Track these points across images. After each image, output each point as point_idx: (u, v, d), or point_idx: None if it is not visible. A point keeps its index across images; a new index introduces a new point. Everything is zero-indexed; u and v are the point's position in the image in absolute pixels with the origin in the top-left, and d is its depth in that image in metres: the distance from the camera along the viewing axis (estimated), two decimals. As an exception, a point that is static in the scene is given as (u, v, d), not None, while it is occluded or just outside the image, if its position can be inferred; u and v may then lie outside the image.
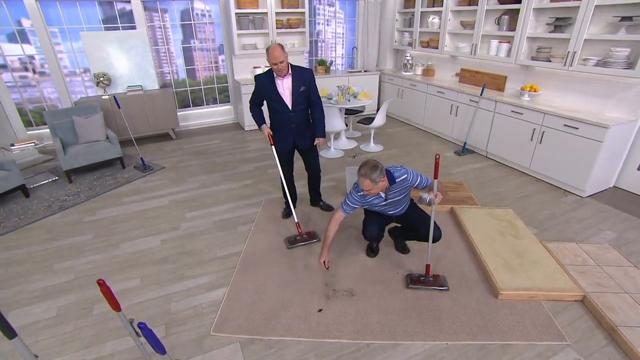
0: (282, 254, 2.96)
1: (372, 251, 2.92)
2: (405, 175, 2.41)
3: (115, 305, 1.21)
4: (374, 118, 4.99)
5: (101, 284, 1.12)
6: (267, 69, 2.89)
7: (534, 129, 4.12)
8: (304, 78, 2.89)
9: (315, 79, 3.01)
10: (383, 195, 2.46)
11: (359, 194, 2.44)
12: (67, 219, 3.56)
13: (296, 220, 3.12)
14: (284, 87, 2.88)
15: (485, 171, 4.52)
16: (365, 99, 5.12)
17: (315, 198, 3.59)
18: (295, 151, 3.24)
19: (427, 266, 2.58)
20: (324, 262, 2.49)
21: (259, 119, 3.08)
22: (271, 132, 3.07)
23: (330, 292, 2.54)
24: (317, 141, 3.12)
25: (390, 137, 5.82)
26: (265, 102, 3.03)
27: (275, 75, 2.84)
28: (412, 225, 2.70)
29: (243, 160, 4.94)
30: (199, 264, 2.85)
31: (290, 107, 2.93)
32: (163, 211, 3.66)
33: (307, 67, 2.98)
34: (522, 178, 4.30)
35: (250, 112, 3.09)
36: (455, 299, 2.48)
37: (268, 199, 3.86)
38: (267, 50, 2.70)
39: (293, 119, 2.98)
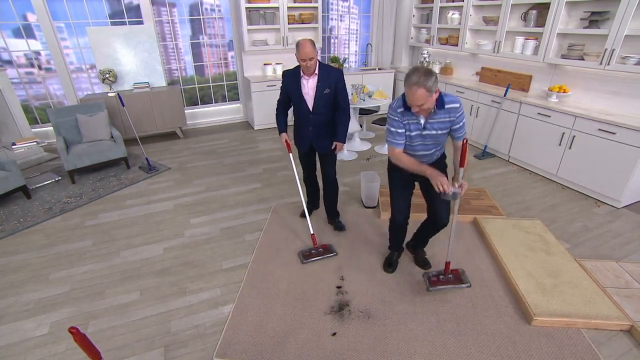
0: (291, 267, 2.75)
1: (390, 265, 2.69)
2: (457, 105, 2.00)
3: (95, 355, 1.01)
4: (389, 119, 4.73)
5: (74, 333, 0.92)
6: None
7: (563, 133, 3.83)
8: (330, 79, 2.65)
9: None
10: (422, 120, 2.05)
11: (398, 110, 2.04)
12: (68, 223, 3.40)
13: (312, 232, 2.89)
14: (309, 87, 2.68)
15: (508, 177, 4.23)
16: (381, 98, 4.86)
17: (331, 213, 3.25)
18: None
19: (447, 264, 2.37)
20: (441, 182, 1.98)
21: (281, 125, 2.90)
22: (289, 141, 2.87)
23: (345, 312, 2.32)
24: (335, 145, 2.89)
25: (405, 138, 5.54)
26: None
27: (301, 73, 2.65)
28: (433, 197, 2.33)
29: (252, 162, 4.73)
30: (203, 277, 2.66)
31: (310, 109, 2.73)
32: (167, 216, 3.48)
33: (337, 68, 2.73)
34: (548, 185, 4.00)
35: (276, 115, 2.90)
36: (483, 324, 2.24)
37: (277, 204, 3.64)
38: (297, 45, 2.50)
39: (312, 122, 2.77)
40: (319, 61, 2.64)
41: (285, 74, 2.74)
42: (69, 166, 4.07)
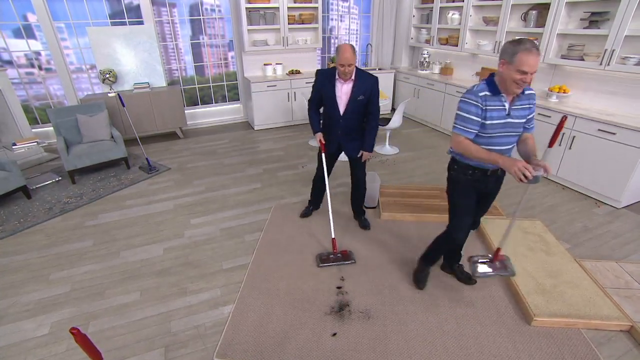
0: (292, 267, 2.75)
1: (420, 281, 2.54)
2: (534, 92, 1.94)
3: (95, 355, 1.01)
4: (389, 119, 4.74)
5: (75, 333, 0.92)
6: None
7: (563, 134, 3.83)
8: (366, 86, 2.64)
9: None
10: (507, 106, 1.86)
11: (480, 94, 1.83)
12: (68, 223, 3.40)
13: (332, 236, 2.86)
14: (342, 91, 2.66)
15: (508, 177, 4.21)
16: (382, 98, 4.85)
17: (358, 211, 3.31)
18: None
19: (497, 249, 2.25)
20: (522, 168, 1.71)
21: (315, 125, 2.88)
22: (323, 141, 2.86)
23: (345, 312, 2.32)
24: (362, 154, 2.90)
25: (406, 138, 5.55)
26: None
27: (337, 76, 2.63)
28: (479, 207, 2.27)
29: (252, 162, 4.74)
30: (203, 277, 2.66)
31: (341, 113, 2.72)
32: (167, 216, 3.48)
33: (373, 75, 2.67)
34: (548, 186, 4.01)
35: (308, 114, 2.89)
36: (483, 324, 2.24)
37: (277, 204, 3.65)
38: (338, 49, 2.50)
39: (341, 125, 2.77)
40: (356, 67, 2.60)
41: (320, 72, 2.73)
42: (69, 166, 4.07)
